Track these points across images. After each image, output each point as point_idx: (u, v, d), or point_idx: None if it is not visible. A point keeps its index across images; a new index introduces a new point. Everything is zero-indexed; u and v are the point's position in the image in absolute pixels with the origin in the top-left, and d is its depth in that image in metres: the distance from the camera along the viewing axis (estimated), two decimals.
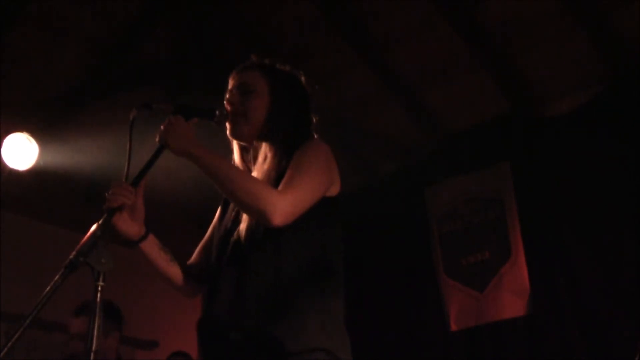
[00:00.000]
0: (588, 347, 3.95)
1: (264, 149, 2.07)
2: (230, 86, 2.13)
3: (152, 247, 2.03)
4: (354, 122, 4.66)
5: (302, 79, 2.19)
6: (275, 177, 1.94)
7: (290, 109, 2.09)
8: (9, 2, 3.70)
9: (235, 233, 1.98)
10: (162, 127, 1.93)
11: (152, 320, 5.16)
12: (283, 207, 1.81)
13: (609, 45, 4.05)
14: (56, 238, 4.47)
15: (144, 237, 2.00)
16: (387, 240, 4.92)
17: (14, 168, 4.21)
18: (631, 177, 4.00)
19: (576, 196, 4.21)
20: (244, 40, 4.04)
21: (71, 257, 1.63)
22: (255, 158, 2.10)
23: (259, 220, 1.86)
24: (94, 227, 1.73)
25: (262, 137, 2.07)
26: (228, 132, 2.09)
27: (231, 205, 2.10)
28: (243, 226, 1.95)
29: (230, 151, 2.17)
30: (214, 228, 2.16)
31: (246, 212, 1.93)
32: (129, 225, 1.95)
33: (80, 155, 4.31)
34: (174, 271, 2.08)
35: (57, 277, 1.60)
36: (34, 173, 4.31)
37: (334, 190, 2.01)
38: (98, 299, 1.61)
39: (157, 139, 1.92)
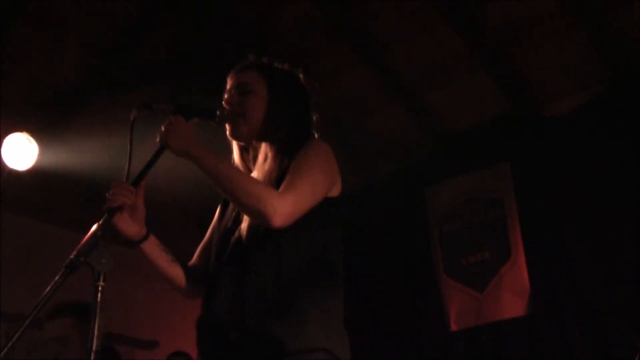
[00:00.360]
0: (588, 347, 3.95)
1: (264, 149, 2.06)
2: (228, 86, 2.13)
3: (152, 248, 2.03)
4: (354, 122, 4.66)
5: (301, 77, 2.18)
6: (276, 178, 1.94)
7: (290, 108, 2.09)
8: (9, 1, 3.70)
9: (236, 232, 1.98)
10: (162, 127, 1.93)
11: (153, 320, 5.16)
12: (283, 208, 1.81)
13: (608, 46, 4.05)
14: (56, 238, 4.47)
15: (144, 238, 2.00)
16: (387, 240, 4.92)
17: (14, 168, 4.21)
18: (631, 177, 4.00)
19: (576, 196, 4.21)
20: (243, 41, 4.04)
21: (71, 257, 1.63)
22: (255, 158, 2.10)
23: (259, 221, 1.86)
24: (94, 227, 1.73)
25: (262, 137, 2.07)
26: (227, 132, 2.09)
27: (231, 205, 2.10)
28: (244, 226, 1.95)
29: (230, 151, 2.17)
30: (213, 228, 2.16)
31: (246, 213, 1.93)
32: (130, 225, 1.95)
33: (81, 156, 4.31)
34: (175, 272, 2.08)
35: (57, 277, 1.60)
36: (34, 173, 4.31)
37: (335, 190, 2.00)
38: (98, 299, 1.60)
39: (157, 139, 1.92)
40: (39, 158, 4.24)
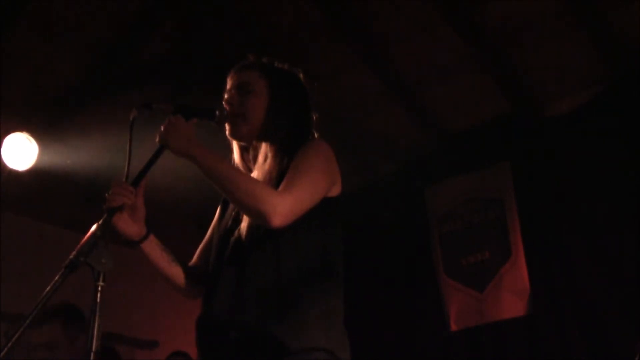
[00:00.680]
0: (588, 347, 3.95)
1: (264, 149, 2.06)
2: (228, 86, 2.13)
3: (153, 248, 2.03)
4: (354, 122, 4.66)
5: (301, 77, 2.18)
6: (276, 177, 1.94)
7: (290, 108, 2.09)
8: (9, 2, 3.69)
9: (236, 232, 1.98)
10: (162, 127, 1.93)
11: (152, 320, 5.16)
12: (282, 208, 1.81)
13: (608, 45, 4.05)
14: (56, 238, 4.47)
15: (144, 237, 2.00)
16: (387, 240, 4.92)
17: (14, 168, 4.21)
18: (631, 177, 4.00)
19: (576, 196, 4.21)
20: (243, 40, 4.03)
21: (71, 257, 1.63)
22: (255, 158, 2.10)
23: (259, 221, 1.86)
24: (94, 227, 1.73)
25: (262, 137, 2.07)
26: (227, 132, 2.09)
27: (231, 205, 2.10)
28: (244, 225, 1.95)
29: (230, 151, 2.17)
30: (213, 228, 2.16)
31: (246, 213, 1.93)
32: (130, 225, 1.95)
33: (80, 155, 4.31)
34: (175, 272, 2.08)
35: (57, 277, 1.60)
36: (34, 173, 4.31)
37: (335, 190, 2.00)
38: (98, 299, 1.60)
39: (157, 139, 1.92)
40: (39, 158, 4.24)
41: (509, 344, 4.27)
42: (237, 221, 2.00)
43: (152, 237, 2.02)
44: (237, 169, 2.07)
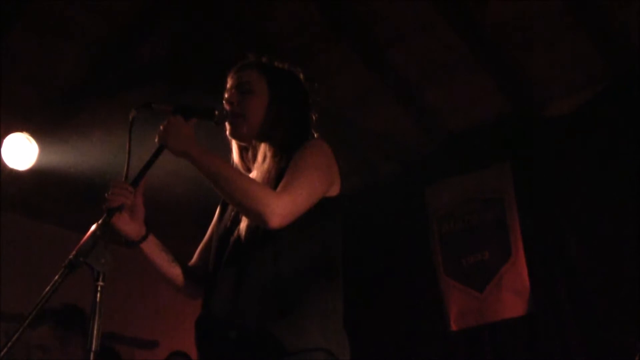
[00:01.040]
0: (588, 346, 3.95)
1: (264, 149, 2.06)
2: (228, 85, 2.13)
3: (152, 248, 2.02)
4: (354, 122, 4.66)
5: (301, 76, 2.18)
6: (275, 177, 1.94)
7: (289, 108, 2.09)
8: (9, 2, 3.69)
9: (235, 232, 1.97)
10: (161, 127, 1.92)
11: (152, 320, 5.16)
12: (280, 208, 1.81)
13: (609, 45, 4.04)
14: (56, 238, 4.47)
15: (144, 238, 1.99)
16: (387, 240, 4.92)
17: (14, 168, 4.21)
18: (631, 177, 4.00)
19: (576, 196, 4.22)
20: (242, 40, 4.03)
21: (71, 257, 1.63)
22: (254, 157, 2.09)
23: (257, 222, 1.86)
24: (93, 227, 1.73)
25: (261, 137, 2.07)
26: (227, 132, 2.09)
27: (231, 205, 2.10)
28: (243, 225, 1.95)
29: (229, 151, 2.16)
30: (213, 228, 2.16)
31: (243, 213, 1.93)
32: (129, 225, 1.95)
33: (80, 155, 4.31)
34: (175, 272, 2.07)
35: (56, 277, 1.60)
36: (34, 173, 4.31)
37: (335, 190, 2.00)
38: (98, 299, 1.60)
39: (156, 139, 1.92)
40: (38, 158, 4.23)
41: (509, 343, 4.27)
42: (237, 221, 1.99)
43: (151, 237, 2.02)
44: (235, 169, 2.07)
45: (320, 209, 1.92)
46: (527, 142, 4.51)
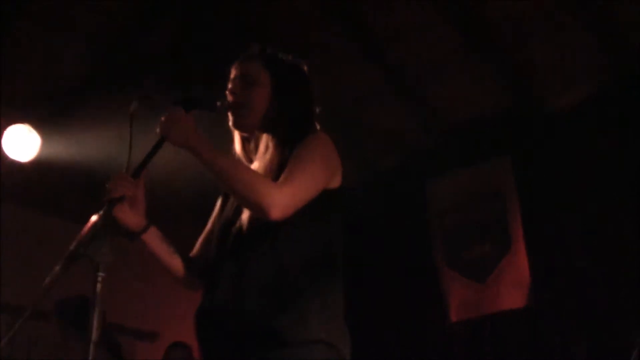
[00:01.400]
0: (588, 338, 3.96)
1: (266, 140, 2.06)
2: (232, 76, 2.12)
3: (153, 239, 2.03)
4: (354, 117, 4.65)
5: (305, 68, 2.18)
6: (277, 168, 1.93)
7: (293, 100, 2.08)
8: None
9: (237, 223, 1.97)
10: (162, 118, 1.92)
11: (153, 311, 5.17)
12: (281, 200, 1.80)
13: (611, 39, 4.03)
14: (57, 230, 4.47)
15: (145, 229, 1.99)
16: (388, 234, 4.93)
17: (16, 159, 4.21)
18: (632, 171, 4.00)
19: (577, 189, 4.22)
20: (243, 33, 4.02)
21: (71, 248, 1.63)
22: (257, 148, 2.09)
23: (257, 213, 1.86)
24: (94, 218, 1.73)
25: (264, 128, 2.06)
26: (230, 122, 2.08)
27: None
28: (245, 217, 1.95)
29: (230, 141, 2.16)
30: (214, 219, 2.16)
31: (244, 205, 1.93)
32: (130, 216, 1.95)
33: (82, 147, 4.31)
34: (176, 263, 2.07)
35: (57, 269, 1.60)
36: (35, 165, 4.31)
37: (336, 182, 2.00)
38: (98, 290, 1.60)
39: (157, 131, 1.92)
40: (40, 150, 4.24)
41: (509, 335, 4.28)
42: (238, 213, 1.99)
43: (152, 229, 2.02)
44: (236, 160, 2.07)
45: (322, 201, 1.91)
46: (528, 136, 4.51)
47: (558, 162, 4.32)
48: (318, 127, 2.11)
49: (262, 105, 2.05)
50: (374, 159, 5.08)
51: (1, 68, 4.00)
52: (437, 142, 4.83)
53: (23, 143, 4.20)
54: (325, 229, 1.95)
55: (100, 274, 1.61)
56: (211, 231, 2.14)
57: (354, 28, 4.09)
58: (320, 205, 1.91)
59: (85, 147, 4.33)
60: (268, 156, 2.00)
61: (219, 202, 2.18)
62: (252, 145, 2.12)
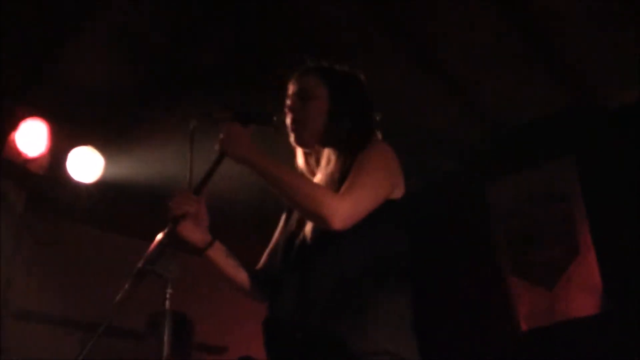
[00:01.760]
0: None
1: (327, 153, 2.07)
2: (289, 92, 2.14)
3: (218, 254, 2.05)
4: (411, 122, 4.61)
5: (362, 77, 2.18)
6: (339, 180, 1.94)
7: (350, 111, 2.09)
8: (65, 16, 3.79)
9: (301, 235, 1.99)
10: (220, 135, 1.95)
11: (221, 326, 5.21)
12: (342, 211, 1.81)
13: None
14: (124, 248, 4.55)
15: (210, 244, 2.03)
16: (450, 239, 4.87)
17: (81, 181, 4.31)
18: None
19: None
20: (294, 40, 4.04)
21: (139, 265, 1.66)
22: (318, 162, 2.10)
23: (319, 224, 1.87)
24: (159, 235, 1.76)
25: (324, 142, 2.08)
26: (291, 139, 2.11)
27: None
28: (308, 228, 1.96)
29: (289, 154, 2.18)
30: (279, 233, 2.18)
31: (306, 216, 1.94)
32: (194, 232, 1.98)
33: (144, 165, 4.39)
34: (242, 277, 2.10)
35: (127, 286, 1.63)
36: (100, 185, 4.41)
37: (398, 192, 1.99)
38: (167, 307, 1.63)
39: (216, 147, 1.95)
40: (104, 170, 4.33)
41: (582, 342, 4.15)
42: (302, 225, 2.01)
43: (217, 244, 2.05)
44: (296, 172, 2.08)
45: (385, 212, 1.91)
46: (592, 134, 4.39)
47: (623, 159, 4.20)
48: (380, 135, 2.10)
49: (320, 120, 2.07)
50: (434, 164, 5.03)
51: (61, 90, 4.13)
52: (497, 145, 4.75)
53: (87, 164, 4.30)
54: (389, 238, 1.94)
55: (169, 290, 1.63)
56: (276, 244, 2.16)
57: (403, 31, 4.06)
58: (383, 216, 1.91)
59: (147, 165, 4.41)
60: (330, 169, 2.01)
61: (283, 217, 2.20)
62: (314, 159, 2.13)
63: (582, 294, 4.23)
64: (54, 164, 4.21)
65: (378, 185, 1.91)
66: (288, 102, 2.12)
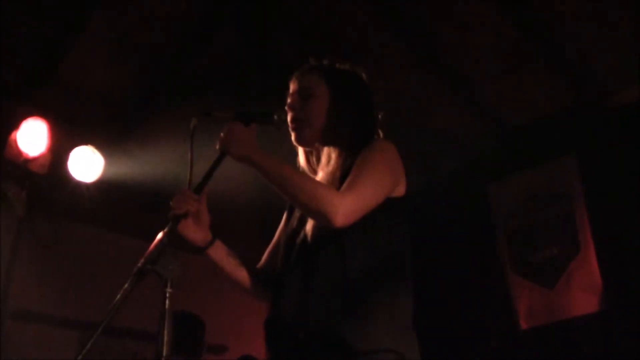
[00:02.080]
0: None
1: (328, 151, 2.07)
2: (291, 90, 2.14)
3: (219, 253, 2.05)
4: (414, 121, 4.62)
5: (364, 76, 2.17)
6: (340, 178, 1.94)
7: (352, 110, 2.08)
8: (70, 18, 3.80)
9: (302, 233, 1.98)
10: (221, 134, 1.95)
11: (221, 325, 5.21)
12: (344, 208, 1.80)
13: None
14: (124, 247, 4.55)
15: (210, 243, 2.03)
16: (452, 238, 4.86)
17: (81, 180, 4.31)
18: None
19: None
20: (299, 41, 4.04)
21: (139, 265, 1.66)
22: (319, 160, 2.10)
23: (321, 221, 1.86)
24: (160, 235, 1.76)
25: (325, 140, 2.08)
26: (292, 138, 2.10)
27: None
28: (309, 226, 1.96)
29: (290, 153, 2.18)
30: (280, 231, 2.18)
31: (307, 214, 1.94)
32: (195, 232, 1.98)
33: (144, 165, 4.40)
34: (243, 275, 2.10)
35: (126, 285, 1.63)
36: (100, 184, 4.41)
37: (400, 190, 1.99)
38: (167, 306, 1.63)
39: (217, 146, 1.95)
40: (104, 170, 4.33)
41: (582, 341, 4.15)
42: (303, 223, 2.01)
43: (218, 243, 2.05)
44: (297, 170, 2.07)
45: (387, 209, 1.90)
46: (593, 134, 4.39)
47: (625, 158, 4.19)
48: (381, 134, 2.10)
49: (321, 118, 2.06)
50: (436, 163, 5.03)
51: (62, 90, 4.13)
52: (499, 144, 4.75)
53: (87, 164, 4.30)
54: (391, 236, 1.94)
55: (169, 289, 1.63)
56: (277, 242, 2.15)
57: (409, 31, 4.06)
58: (385, 214, 1.90)
59: (147, 164, 4.41)
60: (331, 167, 2.01)
61: (284, 215, 2.20)
62: (315, 158, 2.13)
63: (583, 292, 4.22)
64: (54, 163, 4.21)
65: (379, 182, 1.90)
66: (289, 100, 2.11)
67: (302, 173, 2.08)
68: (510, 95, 4.44)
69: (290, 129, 2.08)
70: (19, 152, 4.05)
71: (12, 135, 4.03)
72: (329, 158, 2.04)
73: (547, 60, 4.18)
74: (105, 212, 4.78)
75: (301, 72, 2.15)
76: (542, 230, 4.53)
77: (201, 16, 4.00)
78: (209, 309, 4.98)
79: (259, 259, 2.21)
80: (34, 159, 4.09)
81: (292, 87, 2.14)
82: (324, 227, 1.87)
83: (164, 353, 1.59)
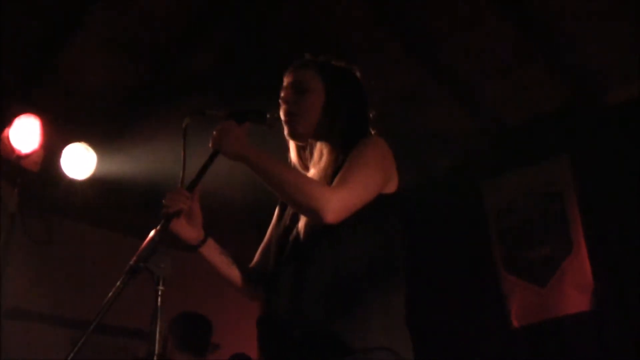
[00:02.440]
0: None
1: (320, 147, 2.06)
2: (284, 84, 2.13)
3: (211, 251, 2.05)
4: (409, 119, 4.62)
5: (358, 74, 2.17)
6: (332, 174, 1.94)
7: (345, 106, 2.08)
8: (68, 15, 3.79)
9: (294, 231, 1.98)
10: (214, 132, 1.94)
11: (213, 323, 5.21)
12: (334, 204, 1.80)
13: None
14: (116, 245, 4.55)
15: (203, 242, 2.02)
16: (445, 236, 4.87)
17: (74, 177, 4.30)
18: None
19: (638, 186, 4.09)
20: (291, 39, 4.03)
21: (131, 262, 1.66)
22: (312, 156, 2.10)
23: (312, 218, 1.86)
24: (152, 232, 1.76)
25: (318, 135, 2.07)
26: (285, 132, 2.10)
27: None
28: (302, 224, 1.96)
29: (283, 151, 2.17)
30: (273, 228, 2.17)
31: (299, 211, 1.94)
32: (187, 230, 1.98)
33: (137, 163, 4.39)
34: (235, 274, 2.10)
35: (118, 283, 1.63)
36: (93, 182, 4.40)
37: (392, 187, 1.99)
38: (159, 304, 1.63)
39: (210, 144, 1.94)
40: (96, 167, 4.32)
41: (574, 339, 4.17)
42: (295, 220, 2.00)
43: (210, 241, 2.04)
44: (289, 167, 2.07)
45: (379, 206, 1.91)
46: (587, 133, 4.40)
47: (618, 158, 4.20)
48: (373, 131, 2.10)
49: (315, 113, 2.06)
50: (429, 161, 5.03)
51: (58, 88, 4.12)
52: (493, 142, 4.75)
53: (80, 161, 4.29)
54: (383, 232, 1.94)
55: (161, 287, 1.63)
56: (270, 240, 2.15)
57: (406, 28, 4.06)
58: (377, 210, 1.90)
59: (140, 162, 4.41)
60: (323, 163, 2.00)
61: (276, 212, 2.19)
62: (307, 153, 2.12)
63: (575, 291, 4.23)
64: (47, 160, 4.19)
65: (371, 178, 1.90)
66: (283, 93, 2.11)
67: (294, 169, 2.07)
68: (506, 93, 4.45)
69: (283, 122, 2.07)
70: (12, 149, 4.03)
71: (5, 132, 4.01)
72: (321, 154, 2.04)
73: (544, 60, 4.19)
74: (98, 210, 4.78)
75: (296, 66, 2.14)
76: (535, 228, 4.54)
77: (198, 15, 3.99)
78: (201, 308, 4.98)
79: (252, 258, 2.20)
80: (27, 156, 4.07)
81: (287, 80, 2.13)
82: (317, 224, 1.87)
83: (156, 350, 1.59)
